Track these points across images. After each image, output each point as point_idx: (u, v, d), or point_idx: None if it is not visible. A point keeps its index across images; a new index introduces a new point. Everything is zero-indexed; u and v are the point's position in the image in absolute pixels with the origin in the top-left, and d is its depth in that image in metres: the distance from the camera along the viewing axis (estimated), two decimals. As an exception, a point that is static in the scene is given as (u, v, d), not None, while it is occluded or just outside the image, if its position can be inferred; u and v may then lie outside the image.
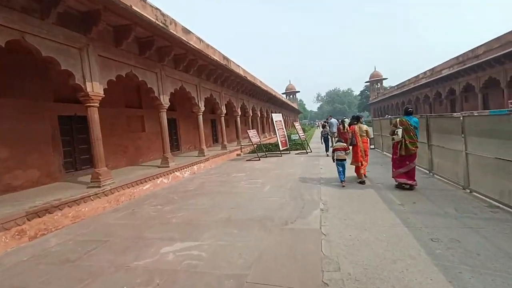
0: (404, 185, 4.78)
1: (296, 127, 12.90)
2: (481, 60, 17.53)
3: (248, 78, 14.67)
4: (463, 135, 4.15)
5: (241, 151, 14.73)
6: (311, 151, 12.49)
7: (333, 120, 14.93)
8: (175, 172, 7.91)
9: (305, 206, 4.34)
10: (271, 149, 14.18)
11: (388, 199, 4.28)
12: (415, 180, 4.74)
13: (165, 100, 7.86)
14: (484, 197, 3.83)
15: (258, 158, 11.25)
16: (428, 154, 5.66)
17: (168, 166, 7.66)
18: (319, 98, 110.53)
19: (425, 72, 28.45)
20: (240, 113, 15.55)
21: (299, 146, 13.81)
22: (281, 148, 12.05)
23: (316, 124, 61.06)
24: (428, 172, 5.82)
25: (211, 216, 4.22)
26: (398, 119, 4.99)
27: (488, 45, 17.71)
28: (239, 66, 13.59)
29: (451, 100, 25.64)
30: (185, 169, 8.55)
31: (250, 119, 18.47)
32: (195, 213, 4.47)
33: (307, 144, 13.49)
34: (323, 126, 12.39)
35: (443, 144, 5.00)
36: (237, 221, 3.90)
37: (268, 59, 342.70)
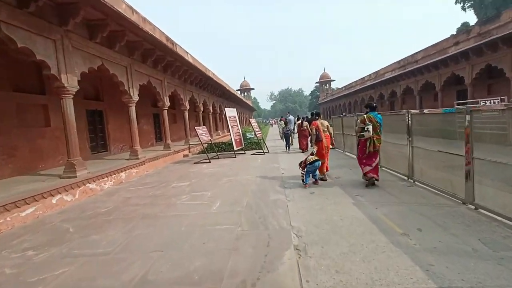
0: (373, 178, 4.71)
1: (252, 124, 11.52)
2: (420, 65, 18.93)
3: (198, 67, 12.69)
4: (466, 136, 3.25)
5: (190, 152, 12.72)
6: (268, 151, 11.28)
7: (291, 118, 14.19)
8: (88, 184, 5.65)
9: (271, 241, 2.88)
10: (224, 149, 12.54)
11: (382, 223, 3.13)
12: (378, 175, 4.79)
13: (70, 82, 5.51)
14: (500, 218, 2.96)
15: (208, 160, 9.50)
16: (408, 158, 4.81)
17: (75, 176, 5.38)
18: (272, 96, 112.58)
19: (370, 75, 30.33)
20: (188, 107, 13.46)
21: (255, 145, 12.50)
22: (235, 148, 10.52)
23: (269, 122, 61.41)
24: (406, 178, 5.00)
25: (112, 276, 2.42)
26: (365, 116, 4.78)
27: (426, 51, 19.24)
28: (187, 52, 11.57)
29: (391, 102, 27.80)
30: (106, 179, 6.31)
31: (201, 114, 16.44)
32: (86, 268, 2.59)
33: (264, 143, 12.27)
34: (285, 123, 12.01)
35: (431, 146, 4.14)
36: None
37: (222, 57, 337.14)
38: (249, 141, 12.96)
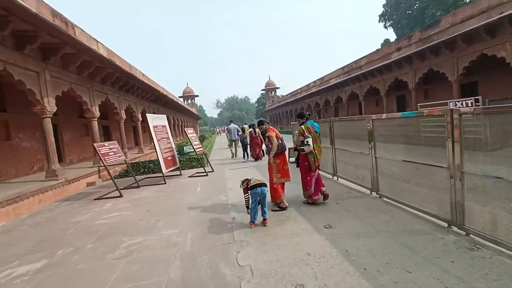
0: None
1: (189, 135, 8.52)
2: (364, 71, 19.01)
3: (115, 61, 9.23)
4: None
5: (100, 177, 8.97)
6: (212, 170, 8.50)
7: (232, 126, 12.40)
8: None
9: None
10: (153, 170, 9.23)
11: None
12: (324, 186, 4.29)
13: None
14: None
15: (118, 194, 6.17)
16: (450, 191, 2.74)
17: None
18: (219, 104, 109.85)
19: (315, 81, 30.52)
20: (97, 113, 9.69)
21: (195, 162, 9.53)
22: (164, 171, 7.40)
23: (216, 130, 58.30)
24: (447, 225, 2.93)
25: None
26: (304, 127, 4.23)
27: (369, 57, 19.47)
28: (98, 41, 8.20)
29: (335, 108, 28.20)
30: None
31: (122, 124, 12.59)
32: None
33: (207, 159, 9.40)
34: (243, 130, 11.47)
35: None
36: None
37: (166, 67, 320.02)
38: (187, 157, 9.93)
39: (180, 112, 31.85)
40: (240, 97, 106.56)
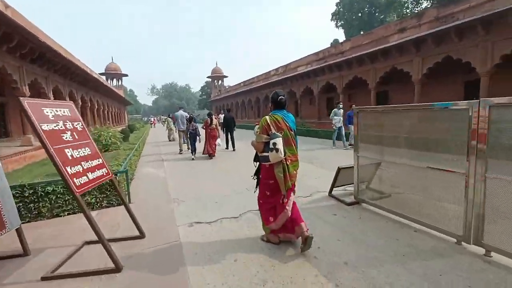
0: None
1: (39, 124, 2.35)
2: (347, 57, 15.59)
3: None
4: None
5: None
6: (141, 234, 2.83)
7: (179, 113, 10.18)
8: None
9: None
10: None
11: None
12: (303, 221, 2.53)
13: None
14: None
15: None
16: None
17: None
18: (154, 90, 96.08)
19: (277, 69, 26.35)
20: None
21: (98, 193, 3.51)
22: None
23: (150, 120, 48.74)
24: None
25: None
26: (268, 118, 2.52)
27: (354, 41, 16.17)
28: None
29: (295, 101, 24.56)
30: None
31: None
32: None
33: (124, 201, 3.56)
34: (190, 120, 9.30)
35: None
36: None
37: (89, 44, 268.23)
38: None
39: (97, 91, 22.91)
40: (180, 84, 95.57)
